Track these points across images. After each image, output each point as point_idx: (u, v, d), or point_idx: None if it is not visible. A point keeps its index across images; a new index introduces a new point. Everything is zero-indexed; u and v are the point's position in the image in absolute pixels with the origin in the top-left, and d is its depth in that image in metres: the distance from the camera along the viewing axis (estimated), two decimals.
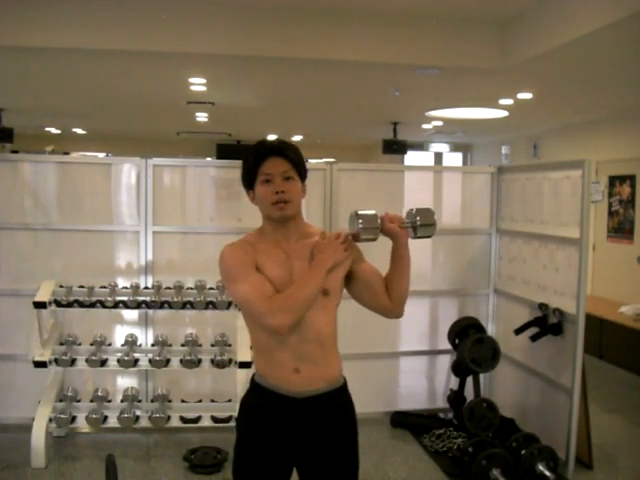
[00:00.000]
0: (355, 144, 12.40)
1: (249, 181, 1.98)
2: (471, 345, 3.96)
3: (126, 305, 3.86)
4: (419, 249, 4.65)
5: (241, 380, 3.56)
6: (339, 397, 2.01)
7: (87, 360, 3.77)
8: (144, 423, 3.82)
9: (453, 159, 12.42)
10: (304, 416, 1.93)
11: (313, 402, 1.93)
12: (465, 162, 12.26)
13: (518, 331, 3.98)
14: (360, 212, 1.95)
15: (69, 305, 3.83)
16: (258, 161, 1.93)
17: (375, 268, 2.04)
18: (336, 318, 2.01)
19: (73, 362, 3.78)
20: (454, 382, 4.34)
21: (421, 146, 12.03)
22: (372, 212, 1.96)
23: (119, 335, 4.15)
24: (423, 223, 2.00)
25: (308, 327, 1.91)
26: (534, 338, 3.84)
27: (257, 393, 2.00)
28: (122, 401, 3.91)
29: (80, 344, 3.93)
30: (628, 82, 5.40)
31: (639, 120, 6.94)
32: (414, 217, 2.01)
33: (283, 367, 1.92)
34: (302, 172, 1.98)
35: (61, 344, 3.91)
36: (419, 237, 2.02)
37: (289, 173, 1.93)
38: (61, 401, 3.85)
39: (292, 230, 1.97)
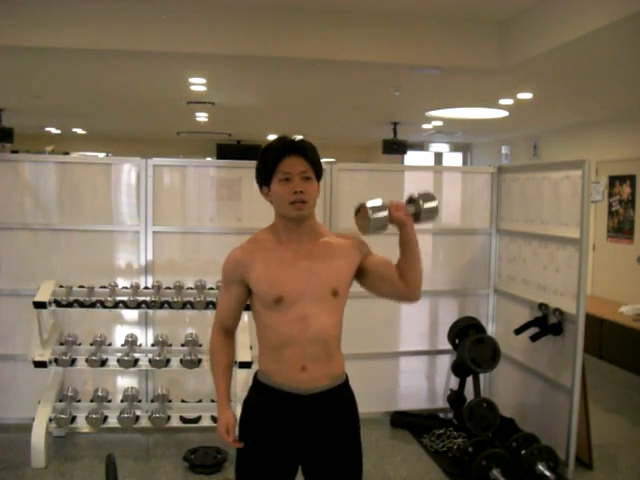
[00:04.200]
0: (355, 144, 12.39)
1: (265, 177, 1.96)
2: (471, 345, 3.96)
3: (126, 305, 3.86)
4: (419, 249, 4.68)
5: (241, 380, 3.56)
6: (342, 392, 2.03)
7: (87, 360, 3.77)
8: (144, 423, 3.82)
9: (453, 159, 12.42)
10: (309, 412, 1.95)
11: (318, 398, 1.95)
12: (465, 162, 12.26)
13: (518, 331, 3.98)
14: (369, 204, 1.93)
15: (69, 305, 3.83)
16: (277, 158, 1.92)
17: (384, 258, 2.05)
18: (342, 320, 2.03)
19: (73, 362, 3.78)
20: (454, 382, 4.34)
21: (421, 146, 12.02)
22: (380, 202, 1.94)
23: (119, 335, 4.15)
24: (427, 208, 1.99)
25: (315, 328, 1.92)
26: (534, 338, 3.84)
27: (261, 392, 2.01)
28: (122, 401, 3.91)
29: (80, 344, 3.93)
30: (628, 82, 5.40)
31: (639, 120, 6.94)
32: (417, 202, 1.99)
33: (290, 365, 1.93)
34: (319, 172, 1.99)
35: (61, 344, 3.91)
36: (422, 221, 2.01)
37: (308, 173, 1.93)
38: (61, 401, 3.85)
39: (305, 229, 1.98)
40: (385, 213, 1.93)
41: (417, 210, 1.99)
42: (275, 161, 1.92)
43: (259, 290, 1.95)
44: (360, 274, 2.03)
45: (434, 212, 2.02)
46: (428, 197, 2.01)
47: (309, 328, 1.91)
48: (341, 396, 2.03)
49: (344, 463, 2.01)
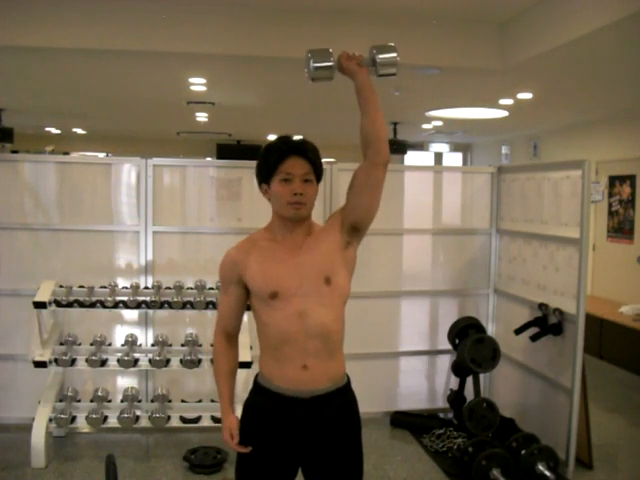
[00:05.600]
0: (355, 144, 12.25)
1: (265, 176, 1.97)
2: (471, 345, 3.96)
3: (126, 305, 3.86)
4: (419, 249, 4.70)
5: (241, 380, 3.56)
6: (344, 395, 2.02)
7: (87, 360, 3.77)
8: (144, 423, 3.82)
9: (453, 159, 12.42)
10: (310, 416, 1.94)
11: (319, 401, 1.94)
12: (465, 162, 12.26)
13: (518, 331, 3.98)
14: (312, 49, 1.91)
15: (69, 305, 3.83)
16: (280, 158, 1.92)
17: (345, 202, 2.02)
18: (343, 316, 2.02)
19: (73, 362, 3.78)
20: (454, 382, 4.34)
21: (421, 146, 12.02)
22: (325, 48, 1.92)
23: (119, 335, 4.15)
24: (383, 59, 1.93)
25: (314, 323, 1.91)
26: (534, 338, 3.84)
27: (261, 394, 2.00)
28: (122, 401, 3.91)
29: (80, 344, 3.93)
30: (628, 82, 5.40)
31: (639, 120, 6.94)
32: (372, 53, 1.94)
33: (291, 364, 1.92)
34: (319, 175, 2.00)
35: (61, 344, 3.91)
36: (382, 75, 1.97)
37: (309, 176, 1.94)
38: (61, 401, 3.85)
39: (301, 229, 1.99)
40: (329, 60, 1.91)
41: (373, 61, 1.93)
42: (277, 161, 1.92)
43: (254, 286, 1.95)
44: (355, 224, 1.98)
45: (391, 63, 1.95)
46: (386, 48, 1.95)
47: (308, 323, 1.90)
48: (342, 398, 2.01)
49: (345, 465, 2.01)
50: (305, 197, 1.92)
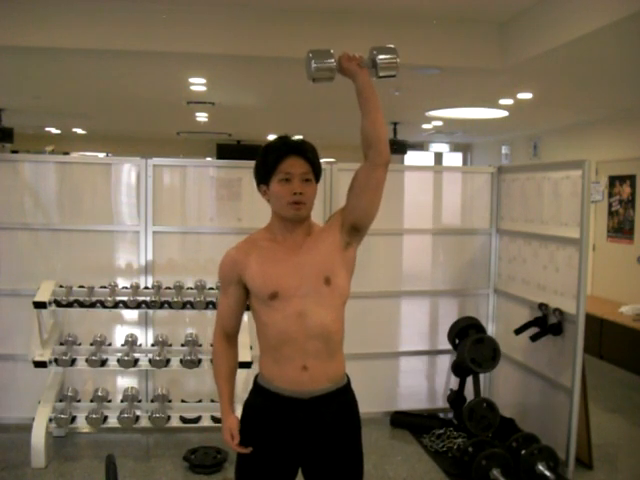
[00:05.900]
0: (355, 144, 12.27)
1: (264, 176, 1.96)
2: (471, 345, 3.96)
3: (126, 305, 3.86)
4: (419, 249, 4.70)
5: (241, 380, 3.56)
6: (344, 395, 2.02)
7: (87, 360, 3.77)
8: (144, 423, 3.82)
9: (453, 159, 12.42)
10: (310, 416, 1.94)
11: (319, 402, 1.94)
12: (465, 162, 12.26)
13: (518, 331, 3.98)
14: (313, 50, 1.92)
15: (69, 305, 3.83)
16: (279, 158, 1.92)
17: (345, 202, 2.02)
18: (343, 316, 2.01)
19: (73, 362, 3.78)
20: (454, 382, 4.34)
21: (421, 146, 12.02)
22: (326, 49, 1.93)
23: (119, 335, 4.15)
24: (383, 60, 1.94)
25: (314, 323, 1.91)
26: (534, 338, 3.84)
27: (261, 395, 2.00)
28: (122, 401, 3.91)
29: (80, 344, 3.93)
30: (628, 82, 5.40)
31: (639, 120, 6.94)
32: (373, 54, 1.95)
33: (291, 364, 1.92)
34: (318, 174, 2.00)
35: (61, 344, 3.91)
36: (382, 77, 1.98)
37: (308, 175, 1.94)
38: (61, 401, 3.85)
39: (301, 229, 1.98)
40: (330, 61, 1.91)
41: (373, 62, 1.94)
42: (276, 161, 1.92)
43: (254, 287, 1.95)
44: (355, 225, 1.97)
45: (392, 65, 1.96)
46: (386, 50, 1.96)
47: (308, 324, 1.90)
48: (342, 399, 2.01)
49: (345, 466, 2.01)
50: (305, 197, 1.92)
